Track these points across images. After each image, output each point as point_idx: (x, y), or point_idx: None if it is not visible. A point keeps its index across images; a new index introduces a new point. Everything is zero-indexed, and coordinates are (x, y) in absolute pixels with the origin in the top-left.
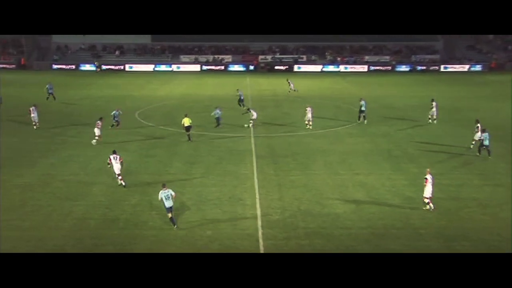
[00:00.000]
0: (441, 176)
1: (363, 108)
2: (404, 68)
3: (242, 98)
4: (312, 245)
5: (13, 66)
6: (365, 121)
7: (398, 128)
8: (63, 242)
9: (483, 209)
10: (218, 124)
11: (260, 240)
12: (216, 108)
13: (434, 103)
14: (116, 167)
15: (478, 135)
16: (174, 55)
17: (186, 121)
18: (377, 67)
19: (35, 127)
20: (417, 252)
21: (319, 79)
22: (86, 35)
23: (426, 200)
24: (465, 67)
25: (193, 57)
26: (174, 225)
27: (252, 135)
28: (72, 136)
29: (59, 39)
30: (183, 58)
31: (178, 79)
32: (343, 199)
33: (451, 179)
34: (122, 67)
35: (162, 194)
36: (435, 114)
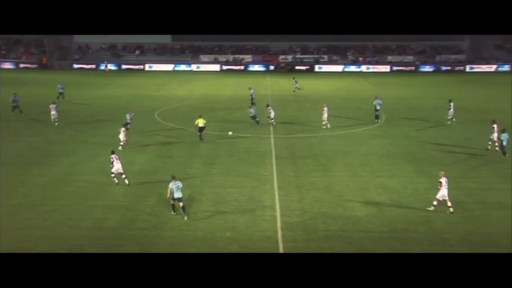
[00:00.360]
0: (467, 180)
1: (378, 108)
2: (428, 68)
3: (253, 96)
4: (333, 248)
5: (35, 65)
6: (379, 120)
7: (422, 130)
8: (83, 242)
9: (511, 214)
10: (257, 123)
11: (280, 242)
12: (249, 107)
13: (451, 104)
14: (118, 166)
15: (495, 136)
16: (194, 55)
17: (201, 122)
18: (400, 68)
19: (56, 123)
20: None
21: (340, 80)
22: (107, 35)
23: (435, 202)
24: (492, 67)
25: (213, 56)
26: (173, 212)
27: (271, 135)
28: (92, 135)
29: (80, 39)
30: (203, 57)
31: (198, 79)
32: (364, 201)
33: (477, 182)
34: (142, 66)
35: (173, 185)
36: (452, 114)
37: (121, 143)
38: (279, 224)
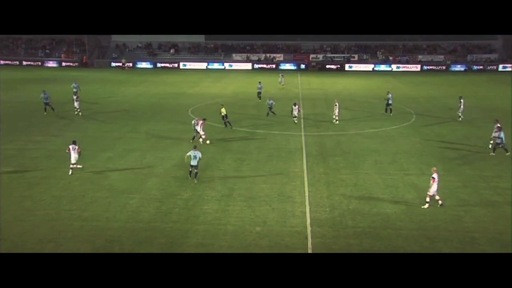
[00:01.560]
0: (499, 179)
1: (390, 102)
2: (459, 67)
3: (260, 90)
4: (361, 244)
5: (76, 64)
6: (391, 113)
7: (452, 129)
8: (119, 233)
9: None
10: (268, 113)
11: (309, 238)
12: (269, 98)
13: (462, 101)
14: (73, 156)
15: (495, 134)
16: (226, 54)
17: (223, 111)
18: (431, 67)
19: (80, 114)
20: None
21: (370, 79)
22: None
23: (428, 199)
24: None
25: (245, 55)
26: (189, 176)
27: (302, 133)
28: (128, 131)
29: (118, 38)
30: (235, 56)
31: (230, 77)
32: (393, 199)
33: (508, 182)
34: (176, 65)
35: (192, 153)
36: (461, 111)
37: (202, 137)
38: (308, 220)
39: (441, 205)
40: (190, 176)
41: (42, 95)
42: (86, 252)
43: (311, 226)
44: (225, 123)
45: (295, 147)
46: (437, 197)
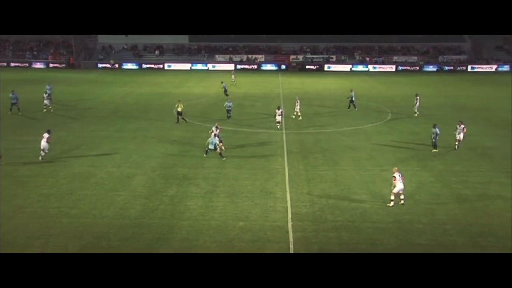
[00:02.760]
0: (468, 174)
1: (353, 98)
2: (431, 68)
3: (226, 89)
4: (340, 237)
5: (63, 65)
6: (356, 109)
7: (425, 127)
8: (107, 229)
9: (510, 207)
10: (228, 117)
11: (290, 232)
12: (227, 100)
13: (418, 98)
14: (43, 144)
15: (461, 136)
16: (210, 55)
17: (180, 107)
18: (405, 67)
19: (52, 110)
20: (442, 247)
21: (348, 79)
22: (129, 36)
23: (392, 197)
24: (493, 68)
25: (227, 56)
26: (205, 155)
27: (283, 131)
28: (114, 130)
29: (104, 39)
30: (218, 57)
31: (213, 77)
32: (371, 194)
33: (478, 176)
34: (161, 65)
35: (211, 139)
36: (417, 107)
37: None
38: (289, 215)
39: (402, 204)
40: (206, 155)
41: (10, 95)
42: (74, 250)
43: (292, 221)
44: (178, 118)
45: (276, 144)
46: (401, 196)
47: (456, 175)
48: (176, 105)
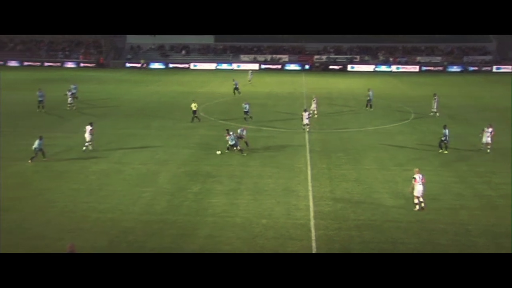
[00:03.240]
0: (492, 175)
1: (370, 98)
2: (455, 68)
3: (237, 86)
4: (362, 236)
5: (93, 64)
6: (372, 109)
7: (449, 127)
8: (133, 224)
9: None
10: (246, 118)
11: (312, 230)
12: (245, 102)
13: (436, 97)
14: (87, 136)
15: (488, 140)
16: (234, 55)
17: (193, 106)
18: (429, 68)
19: (74, 108)
20: (464, 247)
21: (372, 79)
22: (156, 36)
23: (416, 200)
24: None
25: (252, 56)
26: (226, 150)
27: (306, 130)
28: (141, 128)
29: (132, 39)
30: (243, 57)
31: (238, 77)
32: (393, 193)
33: (502, 177)
34: (187, 65)
35: (228, 138)
36: (435, 107)
37: (238, 147)
38: (312, 213)
39: (422, 208)
40: (227, 150)
41: (37, 93)
42: (102, 244)
43: (314, 219)
44: (193, 117)
45: (299, 143)
46: (421, 199)
47: (479, 175)
48: (193, 104)
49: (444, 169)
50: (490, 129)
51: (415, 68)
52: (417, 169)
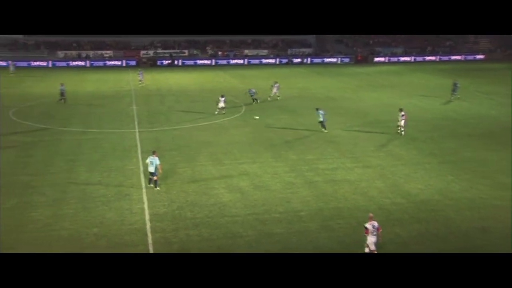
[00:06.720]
0: (318, 161)
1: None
2: (281, 61)
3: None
4: (200, 234)
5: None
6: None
7: (278, 118)
8: None
9: (354, 190)
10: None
11: (149, 234)
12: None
13: (276, 85)
14: (221, 104)
15: (402, 122)
16: (50, 51)
17: None
18: (256, 60)
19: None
20: (298, 233)
21: (201, 73)
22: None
23: (367, 250)
24: (335, 60)
25: (69, 52)
26: (156, 187)
27: (136, 129)
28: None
29: None
30: (60, 54)
31: (57, 75)
32: (229, 188)
33: (327, 163)
34: None
35: (149, 159)
36: (274, 93)
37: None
38: (147, 216)
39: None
40: (149, 183)
41: (60, 87)
42: None
43: (150, 222)
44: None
45: (130, 144)
46: (372, 247)
47: (307, 163)
48: None
49: (276, 159)
50: (402, 113)
51: (243, 61)
52: (370, 214)
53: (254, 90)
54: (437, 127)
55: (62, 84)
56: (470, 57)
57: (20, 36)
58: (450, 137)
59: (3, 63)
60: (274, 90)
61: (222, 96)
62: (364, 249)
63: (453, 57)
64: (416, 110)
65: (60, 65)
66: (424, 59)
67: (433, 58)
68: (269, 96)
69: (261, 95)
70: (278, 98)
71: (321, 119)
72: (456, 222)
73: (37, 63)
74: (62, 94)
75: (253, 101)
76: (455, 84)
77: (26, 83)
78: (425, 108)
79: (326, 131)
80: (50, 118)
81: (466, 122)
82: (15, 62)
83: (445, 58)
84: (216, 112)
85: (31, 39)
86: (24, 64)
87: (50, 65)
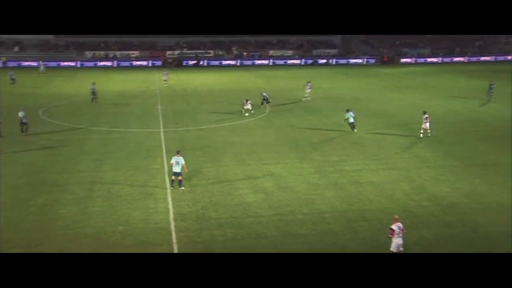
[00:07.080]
0: (344, 163)
1: (351, 120)
2: (306, 61)
3: (95, 92)
4: (225, 234)
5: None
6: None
7: (303, 119)
8: None
9: (379, 192)
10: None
11: (173, 233)
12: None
13: (309, 84)
14: (247, 107)
15: (427, 125)
16: (79, 51)
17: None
18: (281, 61)
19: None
20: (322, 234)
21: (226, 73)
22: None
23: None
24: (361, 61)
25: (98, 53)
26: (181, 186)
27: (161, 129)
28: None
29: None
30: (88, 54)
31: (84, 75)
32: (253, 188)
33: (352, 165)
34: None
35: (174, 159)
36: (307, 92)
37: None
38: (171, 215)
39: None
40: (173, 186)
41: (92, 86)
42: None
43: (174, 221)
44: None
45: (154, 143)
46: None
47: (332, 165)
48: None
49: (300, 160)
50: (426, 116)
51: (268, 62)
52: (396, 216)
53: (265, 94)
54: (465, 129)
55: (93, 84)
56: (500, 58)
57: (51, 37)
58: (478, 140)
59: (34, 63)
60: (307, 89)
61: (247, 100)
62: (389, 250)
63: (483, 58)
64: (443, 111)
65: (88, 65)
66: (452, 60)
67: (461, 59)
68: (304, 97)
69: (289, 95)
70: (308, 98)
71: (351, 120)
72: (484, 226)
73: (66, 63)
74: (93, 93)
75: (261, 103)
76: (491, 85)
77: (55, 83)
78: (453, 109)
79: (355, 131)
80: (78, 117)
81: (495, 125)
82: (45, 62)
83: (474, 59)
84: (247, 114)
85: (61, 39)
86: (54, 64)
87: (78, 65)
